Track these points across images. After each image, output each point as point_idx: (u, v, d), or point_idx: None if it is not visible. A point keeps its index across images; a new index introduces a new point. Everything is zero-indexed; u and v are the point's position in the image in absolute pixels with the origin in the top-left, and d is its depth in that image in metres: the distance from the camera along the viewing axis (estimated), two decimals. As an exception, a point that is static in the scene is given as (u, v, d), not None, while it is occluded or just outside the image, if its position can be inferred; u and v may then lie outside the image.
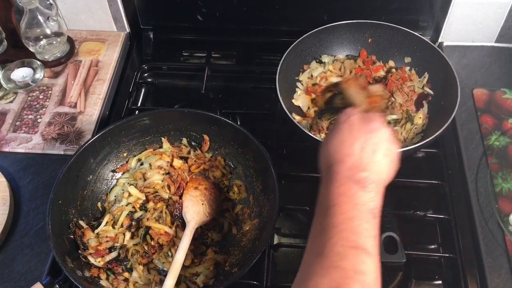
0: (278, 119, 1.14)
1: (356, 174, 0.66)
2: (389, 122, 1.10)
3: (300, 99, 1.16)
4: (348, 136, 0.70)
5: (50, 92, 1.24)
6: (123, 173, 1.06)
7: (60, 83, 1.26)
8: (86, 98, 1.23)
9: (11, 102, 1.22)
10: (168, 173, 1.04)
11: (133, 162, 1.07)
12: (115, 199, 1.03)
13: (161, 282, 0.87)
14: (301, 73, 1.20)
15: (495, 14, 1.21)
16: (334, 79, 1.16)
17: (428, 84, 1.15)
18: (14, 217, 1.01)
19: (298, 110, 1.15)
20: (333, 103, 1.07)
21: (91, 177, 1.02)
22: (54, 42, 1.27)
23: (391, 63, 1.20)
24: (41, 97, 1.23)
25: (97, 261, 0.93)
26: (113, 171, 1.06)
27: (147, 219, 0.97)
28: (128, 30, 1.37)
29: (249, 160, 1.03)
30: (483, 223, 0.98)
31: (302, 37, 1.15)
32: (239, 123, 1.05)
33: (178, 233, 0.96)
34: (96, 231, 0.97)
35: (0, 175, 1.05)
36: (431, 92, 1.14)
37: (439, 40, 1.29)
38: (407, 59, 1.19)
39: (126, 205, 1.00)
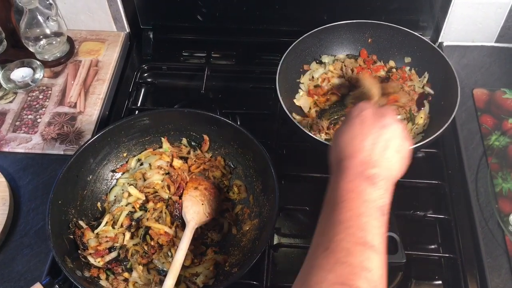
0: (278, 119, 1.14)
1: (366, 170, 0.66)
2: None
3: (302, 100, 1.16)
4: (360, 131, 0.70)
5: (49, 92, 1.24)
6: (123, 173, 1.06)
7: (60, 83, 1.26)
8: (86, 98, 1.23)
9: (10, 102, 1.22)
10: (168, 173, 1.04)
11: (133, 162, 1.07)
12: (115, 199, 1.03)
13: (161, 282, 0.87)
14: (302, 75, 1.20)
15: (495, 14, 1.21)
16: (337, 80, 1.16)
17: (428, 83, 1.15)
18: (13, 217, 1.01)
19: (298, 110, 1.15)
20: (345, 102, 1.07)
21: (90, 177, 1.02)
22: (54, 42, 1.27)
23: (392, 63, 1.20)
24: (40, 97, 1.23)
25: (97, 261, 0.93)
26: (113, 171, 1.06)
27: (147, 219, 0.97)
28: (128, 30, 1.37)
29: (249, 160, 1.03)
30: (483, 223, 0.98)
31: (302, 37, 1.15)
32: (239, 123, 1.05)
33: (178, 233, 0.96)
34: (96, 231, 0.96)
35: (0, 175, 1.05)
36: (431, 91, 1.13)
37: (439, 40, 1.29)
38: (407, 59, 1.19)
39: (126, 205, 1.00)
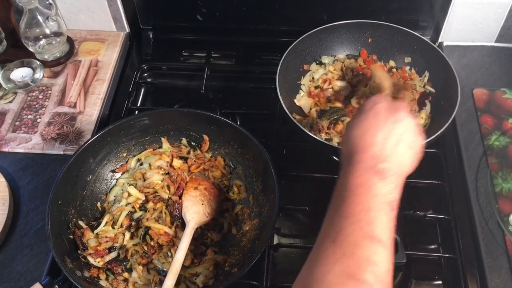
0: (278, 119, 1.14)
1: (377, 165, 0.65)
2: None
3: (302, 100, 1.16)
4: (372, 125, 0.69)
5: (49, 92, 1.24)
6: (123, 173, 1.06)
7: (60, 83, 1.26)
8: (86, 98, 1.22)
9: (10, 102, 1.22)
10: (167, 173, 1.04)
11: (132, 162, 1.07)
12: (114, 199, 1.03)
13: (161, 282, 0.87)
14: (302, 76, 1.19)
15: (495, 14, 1.21)
16: (338, 84, 1.16)
17: (429, 83, 1.15)
18: (13, 217, 1.01)
19: (298, 110, 1.15)
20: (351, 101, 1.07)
21: (90, 177, 1.02)
22: (54, 42, 1.27)
23: (392, 63, 1.20)
24: (40, 97, 1.23)
25: (97, 261, 0.93)
26: (113, 171, 1.06)
27: (147, 219, 0.97)
28: (127, 30, 1.37)
29: (249, 160, 1.03)
30: (483, 223, 0.98)
31: (302, 37, 1.15)
32: (239, 123, 1.05)
33: (178, 233, 0.96)
34: (95, 231, 0.96)
35: (0, 175, 1.04)
36: (432, 90, 1.13)
37: (439, 40, 1.29)
38: (407, 59, 1.19)
39: (126, 205, 1.00)
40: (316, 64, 1.21)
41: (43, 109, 1.20)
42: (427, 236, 1.01)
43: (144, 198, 1.00)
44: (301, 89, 1.18)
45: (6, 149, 1.13)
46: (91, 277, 0.91)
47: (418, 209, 1.00)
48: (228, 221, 1.00)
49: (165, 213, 0.98)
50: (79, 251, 0.93)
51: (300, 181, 1.09)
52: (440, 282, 0.95)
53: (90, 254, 0.93)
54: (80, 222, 0.97)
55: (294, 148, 1.12)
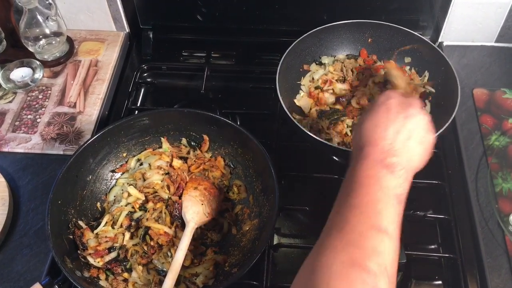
0: (278, 119, 1.14)
1: (387, 158, 0.66)
2: None
3: (302, 100, 1.16)
4: (384, 119, 0.70)
5: (49, 92, 1.24)
6: (123, 173, 1.06)
7: (60, 83, 1.26)
8: (86, 98, 1.22)
9: (10, 102, 1.22)
10: (167, 173, 1.04)
11: (132, 162, 1.06)
12: (114, 199, 1.03)
13: (161, 282, 0.87)
14: (302, 77, 1.19)
15: (495, 14, 1.21)
16: (338, 86, 1.16)
17: (429, 83, 1.15)
18: (13, 217, 1.01)
19: (298, 110, 1.15)
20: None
21: (90, 177, 1.01)
22: (54, 42, 1.27)
23: (392, 63, 1.20)
24: (40, 97, 1.23)
25: (97, 262, 0.93)
26: (113, 171, 1.06)
27: (147, 219, 0.97)
28: (127, 30, 1.37)
29: (248, 160, 1.03)
30: (483, 223, 0.98)
31: (302, 36, 1.15)
32: (238, 123, 1.05)
33: (178, 233, 0.96)
34: (95, 231, 0.96)
35: (0, 175, 1.05)
36: (432, 90, 1.13)
37: (439, 40, 1.29)
38: (407, 59, 1.19)
39: (126, 205, 1.00)
40: (316, 64, 1.21)
41: (43, 109, 1.20)
42: (427, 236, 1.01)
43: (144, 198, 1.00)
44: (301, 89, 1.18)
45: (6, 149, 1.13)
46: (91, 277, 0.91)
47: (418, 209, 1.00)
48: (228, 221, 1.00)
49: (165, 213, 0.98)
50: (79, 251, 0.93)
51: (300, 181, 1.08)
52: (440, 282, 0.95)
53: (90, 254, 0.93)
54: (80, 222, 0.96)
55: (294, 148, 1.12)
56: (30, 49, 1.25)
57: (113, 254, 0.95)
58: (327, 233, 0.62)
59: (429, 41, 1.16)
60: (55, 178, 0.92)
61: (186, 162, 1.06)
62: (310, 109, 1.15)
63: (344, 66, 1.20)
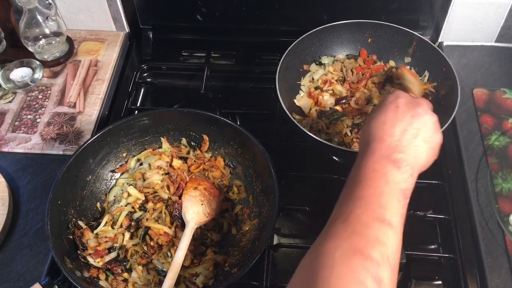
0: (278, 119, 1.14)
1: (393, 154, 0.67)
2: None
3: (302, 101, 1.16)
4: (392, 117, 0.71)
5: (49, 92, 1.24)
6: (122, 173, 1.06)
7: (59, 83, 1.26)
8: (85, 98, 1.22)
9: (10, 102, 1.22)
10: (167, 173, 1.04)
11: (132, 162, 1.06)
12: (114, 200, 1.03)
13: (161, 282, 0.87)
14: (302, 77, 1.19)
15: (495, 14, 1.21)
16: (339, 88, 1.16)
17: (429, 83, 1.15)
18: (13, 217, 1.01)
19: (298, 110, 1.15)
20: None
21: (90, 177, 1.01)
22: (53, 42, 1.27)
23: (392, 63, 1.20)
24: (40, 97, 1.23)
25: (96, 262, 0.93)
26: (112, 171, 1.06)
27: (147, 219, 0.97)
28: (127, 30, 1.37)
29: (248, 160, 1.02)
30: (483, 223, 0.98)
31: (302, 36, 1.15)
32: (238, 123, 1.05)
33: (178, 234, 0.96)
34: (95, 231, 0.96)
35: (-1, 175, 1.05)
36: (432, 90, 1.13)
37: (439, 40, 1.29)
38: (407, 59, 1.19)
39: (126, 206, 1.00)
40: (316, 64, 1.21)
41: (43, 109, 1.20)
42: (427, 236, 1.01)
43: (143, 198, 1.00)
44: (301, 90, 1.18)
45: (5, 149, 1.13)
46: (91, 277, 0.90)
47: (418, 209, 1.00)
48: (228, 221, 1.00)
49: (164, 213, 0.98)
50: (78, 251, 0.93)
51: (300, 181, 1.08)
52: (440, 282, 0.95)
53: (89, 254, 0.93)
54: (80, 222, 0.96)
55: (294, 148, 1.12)
56: (30, 49, 1.25)
57: (113, 254, 0.95)
58: (331, 223, 0.63)
59: (429, 41, 1.16)
60: (55, 178, 0.92)
61: (186, 162, 1.06)
62: (310, 109, 1.15)
63: (344, 66, 1.19)
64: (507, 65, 1.24)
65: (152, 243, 0.95)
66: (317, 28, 1.17)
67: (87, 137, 1.13)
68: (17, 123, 1.18)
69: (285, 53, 1.12)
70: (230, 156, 1.06)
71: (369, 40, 1.21)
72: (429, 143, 0.71)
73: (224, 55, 1.37)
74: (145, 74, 1.32)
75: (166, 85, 1.31)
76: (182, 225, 0.97)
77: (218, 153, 1.07)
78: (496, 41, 1.28)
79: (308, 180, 1.08)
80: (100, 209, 1.02)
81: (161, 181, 1.03)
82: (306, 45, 1.18)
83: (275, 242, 1.00)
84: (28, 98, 1.23)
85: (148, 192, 1.01)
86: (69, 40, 1.33)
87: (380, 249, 0.58)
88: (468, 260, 0.94)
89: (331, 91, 1.17)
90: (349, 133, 1.08)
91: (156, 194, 1.01)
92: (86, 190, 1.00)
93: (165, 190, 1.01)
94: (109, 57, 1.31)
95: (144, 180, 1.03)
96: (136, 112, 1.20)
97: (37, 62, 1.26)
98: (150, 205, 0.99)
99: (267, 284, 0.92)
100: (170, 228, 0.97)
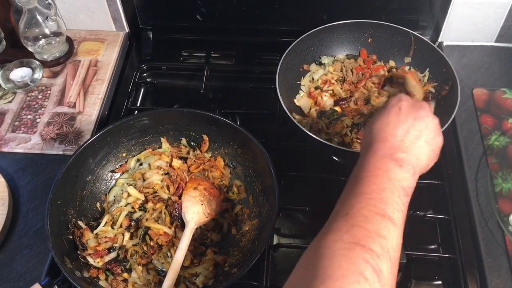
0: (278, 119, 1.14)
1: (396, 153, 0.68)
2: None
3: (302, 101, 1.16)
4: (395, 119, 0.72)
5: (49, 92, 1.24)
6: (122, 173, 1.06)
7: (59, 83, 1.26)
8: (85, 98, 1.22)
9: (10, 102, 1.22)
10: (167, 173, 1.04)
11: (132, 162, 1.06)
12: (114, 200, 1.02)
13: (160, 282, 0.87)
14: (302, 77, 1.19)
15: (495, 14, 1.21)
16: (338, 89, 1.16)
17: (429, 83, 1.14)
18: (13, 217, 1.01)
19: (298, 109, 1.15)
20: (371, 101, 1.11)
21: (90, 177, 1.01)
22: (53, 42, 1.27)
23: (392, 63, 1.20)
24: (40, 97, 1.23)
25: (96, 262, 0.93)
26: (112, 171, 1.05)
27: (146, 219, 0.97)
28: (127, 30, 1.37)
29: (248, 160, 1.02)
30: (483, 223, 0.98)
31: (302, 36, 1.15)
32: (238, 123, 1.05)
33: (178, 234, 0.96)
34: (95, 231, 0.96)
35: (-1, 175, 1.05)
36: (432, 90, 1.13)
37: (439, 40, 1.29)
38: (407, 59, 1.19)
39: (125, 206, 1.00)
40: (316, 64, 1.21)
41: (43, 109, 1.20)
42: (427, 236, 1.01)
43: (143, 198, 1.00)
44: (301, 90, 1.18)
45: (5, 149, 1.13)
46: (91, 278, 0.90)
47: (418, 209, 1.00)
48: (228, 221, 1.00)
49: (164, 213, 0.98)
50: (78, 252, 0.93)
51: (300, 181, 1.08)
52: (440, 282, 0.95)
53: (89, 254, 0.93)
54: (80, 222, 0.96)
55: (294, 148, 1.12)
56: (30, 49, 1.25)
57: (112, 254, 0.95)
58: (333, 217, 0.64)
59: (429, 41, 1.15)
60: (55, 178, 0.92)
61: (185, 162, 1.06)
62: (310, 109, 1.15)
63: (344, 66, 1.19)
64: (507, 65, 1.24)
65: (152, 243, 0.95)
66: (317, 28, 1.17)
67: (87, 137, 1.13)
68: (17, 123, 1.18)
69: (285, 53, 1.12)
70: (230, 156, 1.06)
71: (369, 40, 1.21)
72: (430, 145, 0.72)
73: (224, 55, 1.37)
74: (145, 74, 1.32)
75: (166, 85, 1.31)
76: (182, 225, 0.97)
77: (218, 153, 1.07)
78: (496, 41, 1.28)
79: (308, 180, 1.08)
80: (100, 209, 1.02)
81: (161, 181, 1.03)
82: (306, 45, 1.18)
83: (275, 242, 1.00)
84: (28, 98, 1.23)
85: (148, 192, 1.01)
86: (69, 40, 1.33)
87: (380, 242, 0.58)
88: (468, 260, 0.94)
89: (331, 91, 1.17)
90: (349, 133, 1.08)
91: (156, 194, 1.01)
92: (86, 190, 1.00)
93: (165, 190, 1.01)
94: (109, 57, 1.31)
95: (144, 180, 1.03)
96: (136, 112, 1.20)
97: (37, 62, 1.26)
98: (150, 205, 0.99)
99: (267, 284, 0.92)
100: (170, 228, 0.97)
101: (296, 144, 1.12)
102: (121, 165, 1.06)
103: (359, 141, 1.05)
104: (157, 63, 1.34)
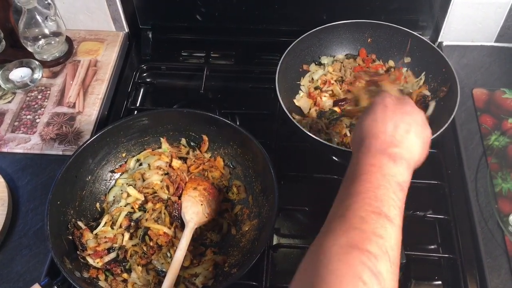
0: (278, 119, 1.14)
1: (389, 149, 0.68)
2: None
3: (302, 101, 1.16)
4: (382, 116, 0.72)
5: (48, 92, 1.24)
6: (122, 173, 1.06)
7: (59, 83, 1.26)
8: (85, 98, 1.22)
9: (9, 102, 1.22)
10: (167, 174, 1.04)
11: (131, 163, 1.06)
12: (113, 200, 1.02)
13: (160, 283, 0.87)
14: (302, 77, 1.19)
15: (495, 14, 1.21)
16: (337, 89, 1.16)
17: (425, 85, 1.14)
18: (12, 217, 1.01)
19: (298, 110, 1.15)
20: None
21: (89, 177, 1.01)
22: (53, 42, 1.27)
23: (391, 63, 1.20)
24: (39, 97, 1.23)
25: (96, 262, 0.93)
26: (112, 171, 1.05)
27: (146, 219, 0.97)
28: (126, 30, 1.37)
29: (248, 160, 1.02)
30: (483, 223, 0.98)
31: (302, 36, 1.15)
32: (238, 123, 1.05)
33: (177, 234, 0.96)
34: (94, 231, 0.96)
35: (-1, 175, 1.05)
36: (427, 93, 1.13)
37: (439, 40, 1.29)
38: (407, 59, 1.19)
39: (125, 206, 1.00)
40: (316, 64, 1.21)
41: (42, 109, 1.20)
42: (427, 236, 1.01)
43: (143, 199, 1.00)
44: (301, 90, 1.18)
45: (5, 150, 1.12)
46: (90, 278, 0.90)
47: (418, 209, 1.00)
48: (228, 222, 1.00)
49: (164, 213, 0.98)
50: (78, 252, 0.93)
51: (300, 181, 1.08)
52: (440, 282, 0.95)
53: (89, 254, 0.93)
54: (79, 223, 0.96)
55: (293, 148, 1.12)
56: (29, 49, 1.25)
57: (112, 255, 0.95)
58: (329, 220, 0.63)
59: (428, 41, 1.15)
60: (54, 178, 0.92)
61: (185, 163, 1.06)
62: (310, 109, 1.15)
63: (343, 66, 1.19)
64: (507, 65, 1.24)
65: (151, 244, 0.95)
66: (317, 28, 1.17)
67: (86, 137, 1.13)
68: (16, 123, 1.17)
69: (285, 53, 1.11)
70: (230, 156, 1.06)
71: (369, 40, 1.21)
72: (420, 138, 0.72)
73: (224, 55, 1.37)
74: (144, 74, 1.32)
75: (165, 85, 1.31)
76: (182, 226, 0.97)
77: (217, 153, 1.07)
78: (496, 41, 1.28)
79: (308, 180, 1.08)
80: (99, 210, 1.02)
81: (161, 182, 1.03)
82: (306, 45, 1.18)
83: (274, 243, 1.00)
84: (28, 98, 1.23)
85: (147, 193, 1.01)
86: (69, 40, 1.33)
87: (377, 242, 0.57)
88: (468, 260, 0.93)
89: (331, 92, 1.17)
90: (348, 133, 1.08)
91: (156, 194, 1.01)
92: (85, 190, 1.00)
93: (165, 191, 1.01)
94: (108, 57, 1.31)
95: (144, 180, 1.03)
96: (136, 112, 1.20)
97: (37, 62, 1.26)
98: (149, 205, 0.99)
99: (267, 285, 0.92)
100: (169, 228, 0.97)
101: (296, 144, 1.11)
102: (120, 165, 1.06)
103: (351, 141, 1.05)
104: (156, 63, 1.33)
